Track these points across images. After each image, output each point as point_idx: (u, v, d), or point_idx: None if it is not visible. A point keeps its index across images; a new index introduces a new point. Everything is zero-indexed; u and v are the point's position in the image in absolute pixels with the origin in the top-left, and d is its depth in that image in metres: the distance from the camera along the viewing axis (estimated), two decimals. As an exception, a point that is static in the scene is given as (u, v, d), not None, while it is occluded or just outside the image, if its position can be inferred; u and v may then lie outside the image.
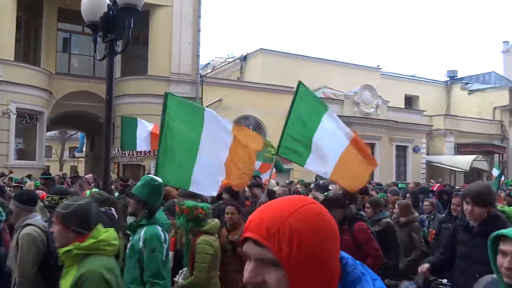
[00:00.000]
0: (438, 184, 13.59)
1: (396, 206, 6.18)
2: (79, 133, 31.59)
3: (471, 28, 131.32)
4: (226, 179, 5.44)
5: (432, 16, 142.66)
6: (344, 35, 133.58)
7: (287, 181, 15.86)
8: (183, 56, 18.62)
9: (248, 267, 1.02)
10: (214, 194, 5.57)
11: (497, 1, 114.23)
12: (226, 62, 33.14)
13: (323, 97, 23.88)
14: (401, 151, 24.80)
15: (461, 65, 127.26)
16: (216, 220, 4.54)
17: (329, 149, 5.68)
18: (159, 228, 3.51)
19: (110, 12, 4.72)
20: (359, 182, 6.00)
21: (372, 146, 23.62)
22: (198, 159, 5.05)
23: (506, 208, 3.93)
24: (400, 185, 13.69)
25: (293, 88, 23.35)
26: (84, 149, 27.43)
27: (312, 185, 11.57)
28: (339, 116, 25.70)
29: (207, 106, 19.00)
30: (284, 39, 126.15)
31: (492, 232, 2.72)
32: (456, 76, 36.37)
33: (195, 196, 5.24)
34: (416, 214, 6.38)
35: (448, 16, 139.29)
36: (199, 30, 19.14)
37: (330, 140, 5.70)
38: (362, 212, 5.64)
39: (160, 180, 3.75)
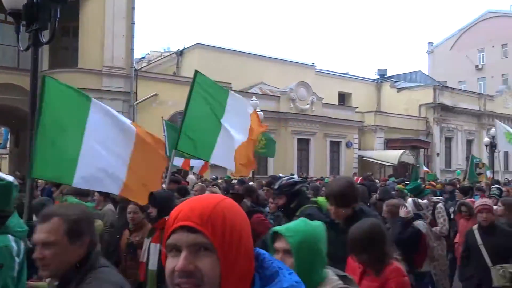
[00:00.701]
0: (360, 178, 13.98)
1: None
2: (3, 128, 29.61)
3: (400, 29, 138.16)
4: (127, 183, 4.56)
5: (364, 17, 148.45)
6: (280, 32, 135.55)
7: (213, 176, 15.81)
8: (116, 49, 17.97)
9: (180, 257, 1.02)
10: (115, 192, 4.72)
11: (424, 5, 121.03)
12: (162, 57, 32.48)
13: (260, 93, 24.12)
14: (335, 146, 25.64)
15: (390, 64, 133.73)
16: (99, 221, 4.39)
17: (233, 138, 5.57)
18: (11, 238, 2.89)
19: (35, 0, 4.43)
20: (247, 164, 5.92)
21: (307, 141, 24.23)
22: (82, 153, 4.28)
23: (320, 199, 3.98)
24: (326, 180, 14.00)
25: (230, 84, 23.27)
26: (8, 145, 25.82)
27: (234, 181, 11.55)
28: (275, 112, 26.01)
29: (142, 101, 18.66)
30: (222, 34, 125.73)
31: None
32: (386, 75, 38.16)
33: (83, 194, 5.00)
34: None
35: (378, 17, 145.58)
36: (133, 23, 18.56)
37: (237, 127, 5.59)
38: (267, 207, 5.59)
39: (7, 178, 3.07)
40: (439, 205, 6.75)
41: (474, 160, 14.69)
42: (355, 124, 26.43)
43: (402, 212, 4.96)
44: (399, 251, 4.68)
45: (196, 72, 5.61)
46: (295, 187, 3.91)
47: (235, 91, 21.66)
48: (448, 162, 30.28)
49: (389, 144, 27.21)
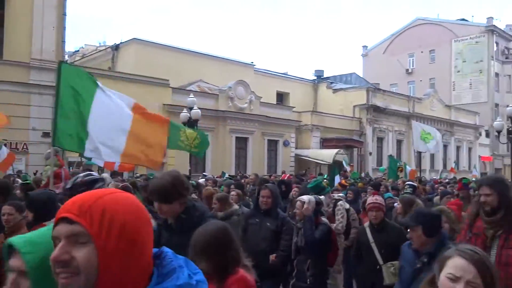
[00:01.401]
0: (288, 175, 13.96)
1: (215, 200, 5.69)
2: None
3: (337, 32, 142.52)
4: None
5: (303, 19, 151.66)
6: (220, 31, 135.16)
7: (137, 174, 15.42)
8: (46, 40, 17.07)
9: (57, 247, 1.03)
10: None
11: (360, 10, 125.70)
12: (97, 50, 31.37)
13: (198, 90, 23.97)
14: (272, 145, 26.03)
15: (327, 65, 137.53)
16: None
17: (113, 129, 5.48)
18: None
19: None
20: (157, 154, 5.94)
21: (245, 140, 24.41)
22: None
23: None
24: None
25: (168, 81, 22.86)
26: None
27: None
28: (214, 110, 25.78)
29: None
30: (160, 30, 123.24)
31: (190, 226, 2.63)
32: (323, 76, 39.33)
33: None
34: (236, 207, 5.77)
35: (317, 20, 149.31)
36: (64, 14, 17.73)
37: (111, 118, 5.47)
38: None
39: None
40: (340, 202, 6.72)
41: (398, 163, 15.41)
42: (293, 124, 26.96)
43: (305, 210, 4.79)
44: (313, 251, 4.64)
45: (61, 63, 5.44)
46: (94, 185, 3.53)
47: (173, 88, 21.51)
48: (379, 161, 31.68)
49: (325, 143, 28.00)
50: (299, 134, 27.85)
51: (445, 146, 37.73)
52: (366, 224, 4.93)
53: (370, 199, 4.98)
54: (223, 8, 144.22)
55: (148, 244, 1.12)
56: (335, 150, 25.80)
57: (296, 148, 27.24)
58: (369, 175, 23.52)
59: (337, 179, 9.90)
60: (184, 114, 16.63)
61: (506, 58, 47.92)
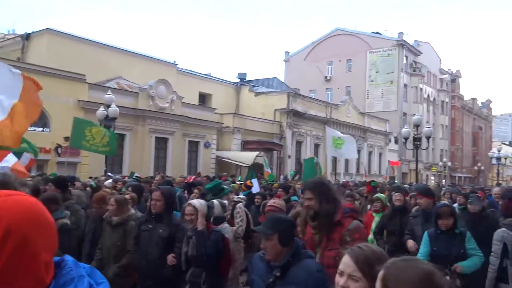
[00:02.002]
0: (193, 176, 13.62)
1: (113, 202, 5.06)
2: None
3: (261, 36, 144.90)
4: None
5: (229, 22, 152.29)
6: (143, 28, 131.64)
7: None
8: None
9: None
10: None
11: (284, 16, 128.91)
12: (5, 39, 29.00)
13: (117, 87, 23.10)
14: (193, 146, 25.77)
15: (250, 69, 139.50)
16: None
17: None
18: None
19: None
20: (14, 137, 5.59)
21: (165, 140, 23.92)
22: None
23: None
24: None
25: (84, 76, 21.77)
26: None
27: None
28: (133, 108, 24.97)
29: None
30: (79, 24, 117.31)
31: None
32: (245, 79, 39.70)
33: None
34: (133, 211, 5.27)
35: (242, 23, 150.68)
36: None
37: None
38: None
39: None
40: (239, 205, 6.46)
41: (315, 160, 15.77)
42: (214, 125, 26.90)
43: (199, 224, 4.28)
44: (206, 264, 4.21)
45: None
46: None
47: (89, 84, 20.50)
48: (298, 164, 32.64)
49: (246, 146, 28.29)
50: (220, 136, 27.86)
51: (358, 151, 39.78)
52: None
53: (270, 202, 4.93)
54: (147, 7, 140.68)
55: (44, 252, 1.03)
56: (256, 153, 26.15)
57: (217, 149, 27.21)
58: (288, 178, 24.12)
59: (255, 182, 9.92)
60: (101, 112, 15.95)
61: (414, 71, 51.79)
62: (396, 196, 6.42)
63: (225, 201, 5.66)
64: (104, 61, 24.71)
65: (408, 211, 6.27)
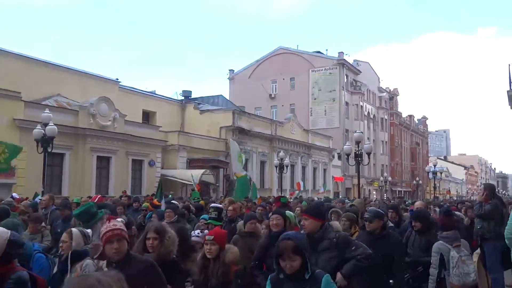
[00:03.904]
0: (99, 196, 11.24)
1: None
2: None
3: (206, 53, 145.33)
4: None
5: (174, 40, 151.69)
6: (83, 46, 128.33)
7: None
8: None
9: None
10: None
11: (227, 34, 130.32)
12: None
13: (56, 105, 22.33)
14: (137, 164, 25.27)
15: (195, 86, 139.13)
16: None
17: None
18: None
19: None
20: None
21: (107, 159, 23.30)
22: None
23: None
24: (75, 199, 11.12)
25: (20, 93, 21.01)
26: None
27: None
28: (73, 127, 24.28)
29: None
30: (12, 40, 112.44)
31: None
32: (190, 96, 39.69)
33: None
34: None
35: (187, 38, 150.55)
36: None
37: None
38: None
39: None
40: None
41: (248, 175, 15.74)
42: (159, 143, 26.56)
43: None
44: None
45: None
46: None
47: (25, 101, 19.70)
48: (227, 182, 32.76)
49: (191, 164, 28.10)
50: (165, 154, 27.53)
51: (303, 167, 40.68)
52: None
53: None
54: (85, 25, 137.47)
55: None
56: (202, 170, 26.04)
57: (162, 168, 26.84)
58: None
59: (163, 202, 9.80)
60: (38, 131, 15.41)
61: (354, 89, 54.01)
62: (273, 219, 5.07)
63: (89, 230, 4.65)
64: (40, 78, 23.83)
65: None
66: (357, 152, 20.14)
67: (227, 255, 4.13)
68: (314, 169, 43.22)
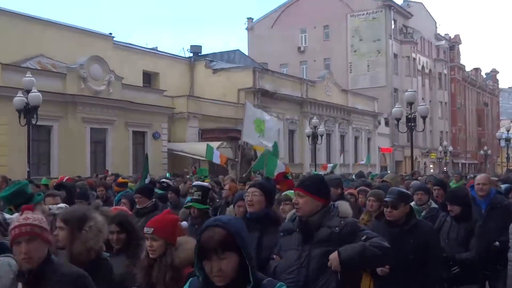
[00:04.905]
0: (67, 177, 10.95)
1: None
2: None
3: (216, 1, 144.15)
4: None
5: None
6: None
7: None
8: None
9: None
10: None
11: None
12: None
13: (39, 68, 22.66)
14: (139, 137, 25.65)
15: (206, 40, 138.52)
16: None
17: None
18: None
19: None
20: None
21: (103, 131, 23.70)
22: None
23: None
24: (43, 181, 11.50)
25: (-6, 53, 20.79)
26: None
27: None
28: (61, 93, 24.75)
29: None
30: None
31: None
32: (201, 53, 39.59)
33: None
34: None
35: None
36: None
37: None
38: None
39: None
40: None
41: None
42: (164, 111, 26.80)
43: None
44: None
45: None
46: None
47: (2, 64, 20.04)
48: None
49: (204, 135, 28.26)
50: (172, 124, 27.78)
51: (342, 137, 40.54)
52: None
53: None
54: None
55: None
56: (217, 143, 26.16)
57: (169, 141, 27.14)
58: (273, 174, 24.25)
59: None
60: (19, 99, 15.74)
61: (404, 37, 52.89)
62: (249, 194, 4.49)
63: (11, 216, 4.06)
64: (19, 36, 24.11)
65: None
66: (409, 116, 19.91)
67: (177, 253, 3.43)
68: (356, 139, 43.05)
